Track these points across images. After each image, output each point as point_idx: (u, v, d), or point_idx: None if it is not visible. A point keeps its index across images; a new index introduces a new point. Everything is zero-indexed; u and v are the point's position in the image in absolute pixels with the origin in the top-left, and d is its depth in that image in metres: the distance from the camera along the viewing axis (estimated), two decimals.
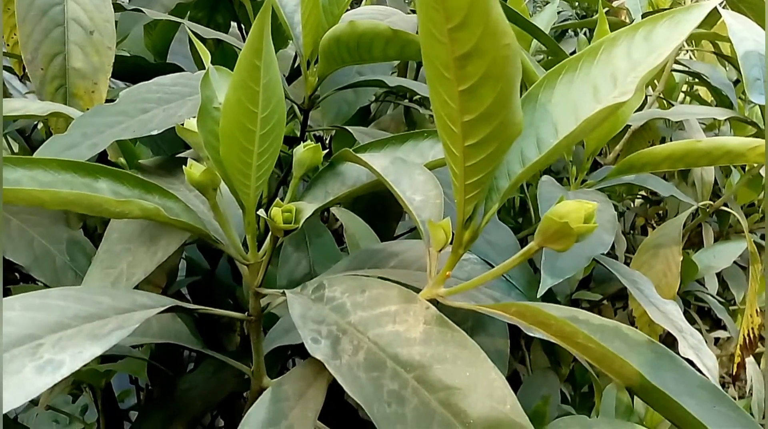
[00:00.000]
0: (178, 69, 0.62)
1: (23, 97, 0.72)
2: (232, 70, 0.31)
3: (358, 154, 0.38)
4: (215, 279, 0.70)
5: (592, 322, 0.27)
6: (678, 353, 0.48)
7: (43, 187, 0.32)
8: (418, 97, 0.77)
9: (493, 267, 0.33)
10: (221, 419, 0.72)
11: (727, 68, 0.98)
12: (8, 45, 0.62)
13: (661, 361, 0.25)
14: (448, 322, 0.29)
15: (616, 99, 0.28)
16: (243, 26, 0.76)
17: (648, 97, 0.90)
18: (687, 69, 0.86)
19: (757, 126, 0.78)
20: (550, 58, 0.91)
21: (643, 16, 0.86)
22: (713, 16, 0.83)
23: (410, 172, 0.35)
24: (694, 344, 0.52)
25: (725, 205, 0.83)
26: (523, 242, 0.51)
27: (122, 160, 0.67)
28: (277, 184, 0.69)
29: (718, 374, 1.03)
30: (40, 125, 0.69)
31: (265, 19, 0.29)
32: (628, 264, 0.70)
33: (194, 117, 0.35)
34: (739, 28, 0.65)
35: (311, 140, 0.80)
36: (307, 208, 0.34)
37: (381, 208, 0.63)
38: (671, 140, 0.91)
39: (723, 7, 0.77)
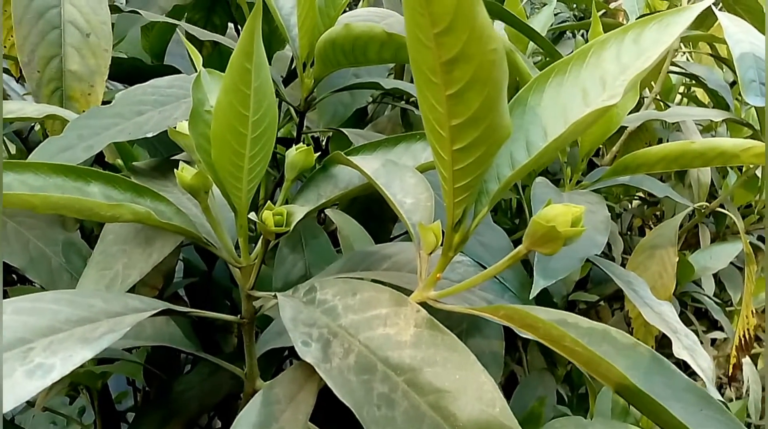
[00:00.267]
0: (176, 71, 0.62)
1: (22, 99, 0.73)
2: None
3: (350, 157, 0.38)
4: (212, 280, 0.70)
5: (580, 326, 0.27)
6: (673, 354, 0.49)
7: (34, 192, 0.32)
8: (414, 98, 0.77)
9: (486, 269, 0.33)
10: (218, 420, 0.72)
11: (724, 70, 0.98)
12: (5, 47, 0.62)
13: (649, 364, 0.25)
14: (438, 325, 0.29)
15: (605, 102, 0.28)
16: (240, 27, 0.76)
17: (645, 99, 0.90)
18: (684, 71, 0.86)
19: (753, 128, 0.78)
20: (548, 59, 0.91)
21: (641, 17, 0.87)
22: (710, 18, 0.84)
23: (401, 175, 0.36)
24: (688, 345, 0.52)
25: (722, 206, 0.83)
26: (519, 244, 0.51)
27: (119, 161, 0.67)
28: (274, 185, 0.69)
29: (715, 375, 1.04)
30: (38, 127, 0.69)
31: (255, 23, 0.29)
32: (625, 265, 0.71)
33: (187, 120, 0.35)
34: (735, 30, 0.65)
35: (308, 142, 0.80)
36: (299, 211, 0.34)
37: (377, 210, 0.63)
38: (668, 141, 0.91)
39: (720, 10, 0.77)
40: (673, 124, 0.91)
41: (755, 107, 0.74)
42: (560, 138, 0.28)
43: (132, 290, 0.42)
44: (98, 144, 0.41)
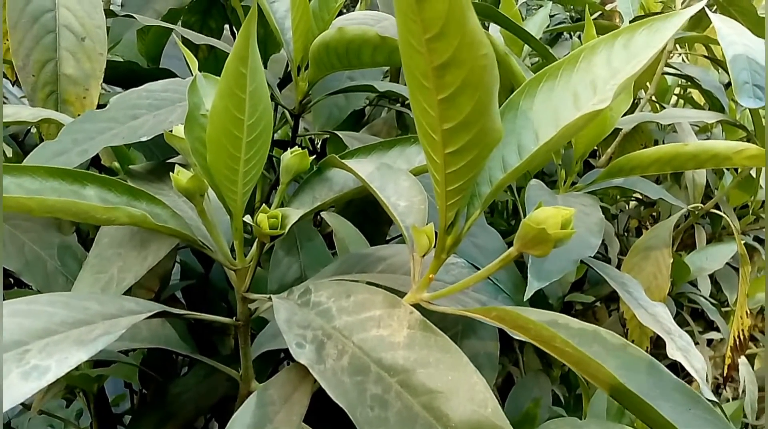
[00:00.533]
0: (172, 74, 0.62)
1: (20, 102, 0.73)
2: None
3: (344, 160, 0.38)
4: (209, 283, 0.70)
5: (571, 327, 0.27)
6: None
7: (30, 195, 0.32)
8: (409, 101, 0.77)
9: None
10: (216, 422, 0.73)
11: (720, 71, 0.98)
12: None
13: (638, 364, 0.25)
14: (431, 327, 0.29)
15: (595, 106, 0.28)
16: (235, 30, 0.76)
17: (640, 100, 0.90)
18: (678, 72, 0.87)
19: (746, 129, 0.79)
20: (544, 61, 0.92)
21: (636, 19, 0.87)
22: (706, 19, 0.84)
23: (395, 178, 0.36)
24: (682, 346, 0.52)
25: (717, 207, 0.83)
26: None
27: (116, 164, 0.67)
28: (270, 187, 0.69)
29: (712, 375, 1.04)
30: (34, 130, 0.69)
31: (250, 27, 0.30)
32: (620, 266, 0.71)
33: (183, 123, 0.35)
34: (729, 32, 0.65)
35: (306, 144, 0.80)
36: (293, 214, 0.34)
37: (373, 212, 0.63)
38: (664, 143, 0.92)
39: (714, 11, 0.77)
40: (669, 125, 0.91)
41: (749, 109, 0.75)
42: (551, 141, 0.29)
43: (128, 293, 0.42)
44: (93, 148, 0.41)
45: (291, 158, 0.38)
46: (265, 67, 0.78)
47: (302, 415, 0.30)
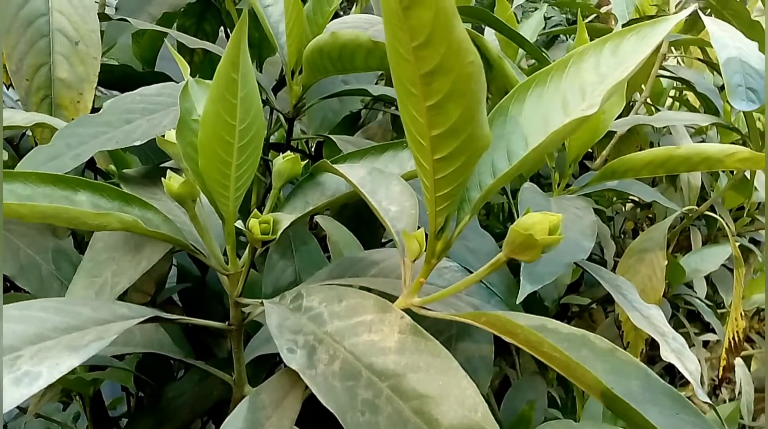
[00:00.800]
0: (167, 77, 0.62)
1: (16, 105, 0.73)
2: None
3: (336, 165, 0.38)
4: (205, 286, 0.70)
5: (560, 331, 0.27)
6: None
7: (22, 201, 0.32)
8: None
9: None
10: (213, 424, 0.73)
11: (714, 74, 0.99)
12: None
13: (626, 368, 0.26)
14: (422, 332, 0.29)
15: (584, 112, 0.28)
16: (230, 34, 0.76)
17: (635, 102, 0.90)
18: (673, 75, 0.87)
19: (740, 132, 0.79)
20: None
21: (631, 22, 0.87)
22: (701, 22, 0.84)
23: (387, 183, 0.36)
24: (676, 348, 0.52)
25: (713, 209, 0.83)
26: None
27: (112, 167, 0.67)
28: (265, 191, 0.70)
29: (708, 377, 1.04)
30: (29, 133, 0.69)
31: (242, 33, 0.30)
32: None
33: (175, 128, 0.35)
34: (722, 35, 0.66)
35: (302, 147, 0.80)
36: (285, 219, 0.34)
37: (367, 215, 0.63)
38: (659, 145, 0.92)
39: (708, 15, 0.78)
40: (664, 127, 0.92)
41: (743, 112, 0.75)
42: (540, 147, 0.29)
43: (124, 296, 0.42)
44: (86, 152, 0.42)
45: (283, 163, 0.38)
46: (261, 71, 0.79)
47: (293, 419, 0.30)
